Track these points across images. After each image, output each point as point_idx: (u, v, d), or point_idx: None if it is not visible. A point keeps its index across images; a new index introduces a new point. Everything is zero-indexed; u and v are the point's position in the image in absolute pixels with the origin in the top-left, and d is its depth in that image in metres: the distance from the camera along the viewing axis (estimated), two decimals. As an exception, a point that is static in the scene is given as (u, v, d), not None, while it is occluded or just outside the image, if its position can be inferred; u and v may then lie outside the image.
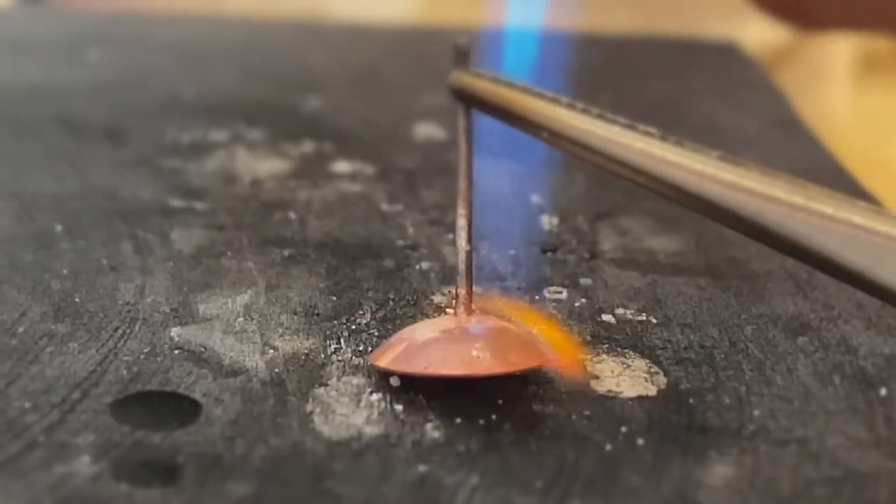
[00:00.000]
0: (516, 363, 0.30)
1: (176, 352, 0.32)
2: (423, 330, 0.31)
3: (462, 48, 0.30)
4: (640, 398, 0.30)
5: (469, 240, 0.31)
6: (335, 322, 0.34)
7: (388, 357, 0.30)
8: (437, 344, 0.30)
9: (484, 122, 0.31)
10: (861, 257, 0.21)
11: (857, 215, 0.21)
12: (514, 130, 0.30)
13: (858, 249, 0.21)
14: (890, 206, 0.46)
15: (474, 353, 0.30)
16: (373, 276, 0.38)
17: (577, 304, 0.36)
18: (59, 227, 0.40)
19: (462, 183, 0.31)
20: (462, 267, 0.31)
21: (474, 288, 0.32)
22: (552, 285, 0.37)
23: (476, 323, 0.31)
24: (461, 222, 0.31)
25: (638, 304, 0.36)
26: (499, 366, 0.30)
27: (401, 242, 0.41)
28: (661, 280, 0.38)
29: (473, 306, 0.31)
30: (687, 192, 0.24)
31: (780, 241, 0.23)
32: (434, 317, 0.34)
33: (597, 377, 0.31)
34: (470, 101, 0.30)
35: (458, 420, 0.29)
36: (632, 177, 0.26)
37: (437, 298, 0.36)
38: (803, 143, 0.57)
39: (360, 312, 0.35)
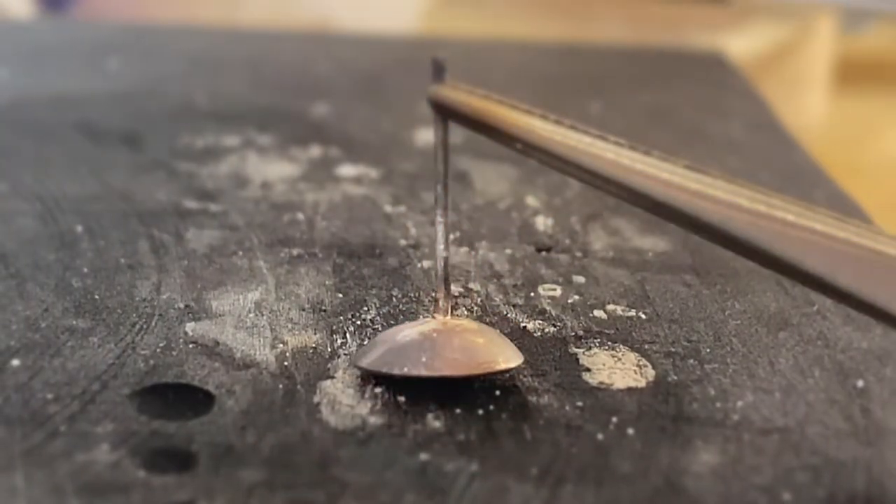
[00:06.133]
0: (492, 365, 0.30)
1: (190, 346, 0.32)
2: (403, 333, 0.31)
3: (439, 63, 0.30)
4: (630, 390, 0.30)
5: (447, 246, 0.31)
6: (341, 318, 0.34)
7: (369, 358, 0.30)
8: (416, 346, 0.30)
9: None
10: (821, 263, 0.21)
11: (818, 222, 0.21)
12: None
13: (819, 255, 0.21)
14: (866, 206, 0.46)
15: (452, 355, 0.29)
16: (377, 274, 0.38)
17: (570, 301, 0.36)
18: (79, 228, 0.41)
19: (439, 191, 0.30)
20: (440, 272, 0.31)
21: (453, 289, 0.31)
22: (546, 283, 0.37)
23: (454, 326, 0.31)
24: (439, 229, 0.31)
25: (628, 300, 0.36)
26: (474, 367, 0.29)
27: (403, 242, 0.41)
28: (650, 278, 0.38)
29: (452, 309, 0.31)
30: (654, 200, 0.24)
31: (744, 247, 0.23)
32: (434, 315, 0.34)
33: (589, 370, 0.31)
34: (447, 113, 0.30)
35: (458, 410, 0.29)
36: (602, 186, 0.26)
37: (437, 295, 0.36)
38: (785, 147, 0.57)
39: (365, 308, 0.35)
